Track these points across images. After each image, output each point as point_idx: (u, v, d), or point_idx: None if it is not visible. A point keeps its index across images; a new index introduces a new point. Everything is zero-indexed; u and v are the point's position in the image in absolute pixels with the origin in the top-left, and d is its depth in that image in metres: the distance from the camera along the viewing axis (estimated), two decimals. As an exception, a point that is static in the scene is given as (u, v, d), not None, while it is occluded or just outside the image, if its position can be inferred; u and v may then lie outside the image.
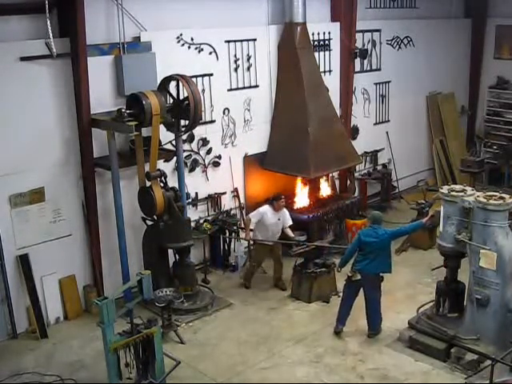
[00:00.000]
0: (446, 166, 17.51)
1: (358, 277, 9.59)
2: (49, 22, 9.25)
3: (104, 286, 10.87)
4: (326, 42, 14.00)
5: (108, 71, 10.54)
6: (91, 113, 10.20)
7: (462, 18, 17.98)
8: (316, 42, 13.71)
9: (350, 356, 9.42)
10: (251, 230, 11.49)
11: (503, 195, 8.88)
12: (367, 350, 9.55)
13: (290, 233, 11.45)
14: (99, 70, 10.33)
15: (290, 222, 11.50)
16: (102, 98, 10.44)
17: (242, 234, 12.02)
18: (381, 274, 9.70)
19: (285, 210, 11.48)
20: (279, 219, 11.35)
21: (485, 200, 8.70)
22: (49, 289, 10.37)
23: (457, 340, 9.05)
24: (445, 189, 9.34)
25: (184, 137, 11.45)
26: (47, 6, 9.17)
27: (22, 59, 9.51)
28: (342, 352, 9.53)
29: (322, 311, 10.68)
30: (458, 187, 9.39)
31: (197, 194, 12.25)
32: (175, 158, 11.39)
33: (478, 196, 8.91)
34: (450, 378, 8.70)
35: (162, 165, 11.03)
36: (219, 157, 12.48)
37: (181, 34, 11.39)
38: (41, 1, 9.17)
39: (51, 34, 9.33)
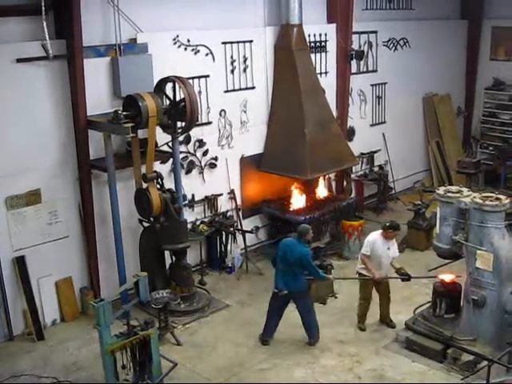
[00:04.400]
0: (443, 167, 17.53)
1: (285, 292, 9.51)
2: (45, 24, 9.25)
3: (100, 288, 10.86)
4: (323, 43, 14.01)
5: (104, 73, 10.53)
6: (88, 114, 10.19)
7: (457, 20, 18.03)
8: (312, 44, 13.72)
9: (347, 357, 9.44)
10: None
11: (499, 196, 8.88)
12: (364, 351, 9.56)
13: (395, 264, 10.18)
14: (95, 71, 10.32)
15: (397, 254, 10.21)
16: (99, 99, 10.44)
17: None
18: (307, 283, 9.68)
19: (394, 240, 10.21)
20: (388, 248, 9.99)
21: (481, 201, 8.71)
22: (45, 291, 10.35)
23: (453, 341, 9.06)
24: (441, 190, 9.35)
25: (180, 138, 11.44)
26: (43, 7, 9.17)
27: (19, 61, 9.50)
28: (339, 353, 9.55)
29: (318, 313, 10.65)
30: (454, 188, 9.40)
31: (193, 195, 12.24)
32: (172, 160, 11.38)
33: (474, 197, 8.92)
34: (446, 378, 8.72)
35: (158, 166, 11.03)
36: (216, 158, 12.47)
37: (177, 36, 11.39)
38: (37, 2, 9.16)
39: (47, 36, 9.33)
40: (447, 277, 9.56)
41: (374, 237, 10.05)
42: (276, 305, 9.72)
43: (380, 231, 10.10)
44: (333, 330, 10.19)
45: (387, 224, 10.15)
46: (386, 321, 10.31)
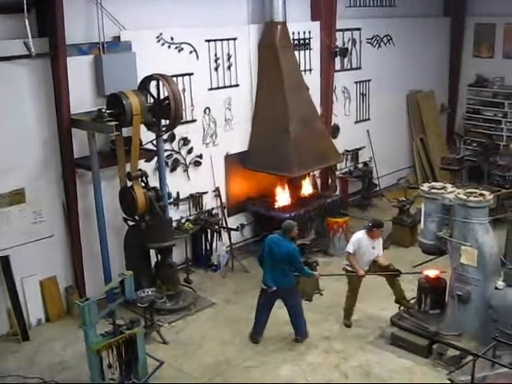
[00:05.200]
0: (427, 164, 17.63)
1: (274, 288, 9.48)
2: (27, 22, 9.17)
3: (86, 287, 10.81)
4: (307, 40, 14.02)
5: (88, 71, 10.47)
6: (71, 113, 10.13)
7: (441, 17, 18.11)
8: (296, 41, 13.73)
9: (333, 354, 9.46)
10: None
11: (483, 192, 8.95)
12: (350, 347, 9.59)
13: (384, 262, 10.12)
14: (79, 69, 10.26)
15: (382, 254, 10.18)
16: (82, 97, 10.38)
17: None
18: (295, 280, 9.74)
19: (380, 239, 10.20)
20: (373, 248, 9.98)
21: (465, 197, 8.77)
22: (30, 290, 10.27)
23: (439, 336, 9.12)
24: (425, 186, 9.40)
25: (165, 136, 11.40)
26: (25, 5, 9.09)
27: (1, 59, 9.41)
28: (325, 350, 9.57)
29: (304, 310, 10.68)
30: (438, 184, 9.46)
31: (178, 193, 12.21)
32: (156, 158, 11.35)
33: (458, 193, 8.97)
34: (432, 374, 8.77)
35: (142, 165, 10.97)
36: (200, 156, 12.45)
37: (161, 34, 11.34)
38: (19, 0, 9.08)
39: (30, 34, 9.25)
40: (432, 272, 9.61)
41: (359, 236, 10.04)
42: (264, 302, 9.71)
43: (364, 231, 10.08)
44: (318, 326, 10.21)
45: (370, 224, 10.13)
46: (401, 301, 10.08)
